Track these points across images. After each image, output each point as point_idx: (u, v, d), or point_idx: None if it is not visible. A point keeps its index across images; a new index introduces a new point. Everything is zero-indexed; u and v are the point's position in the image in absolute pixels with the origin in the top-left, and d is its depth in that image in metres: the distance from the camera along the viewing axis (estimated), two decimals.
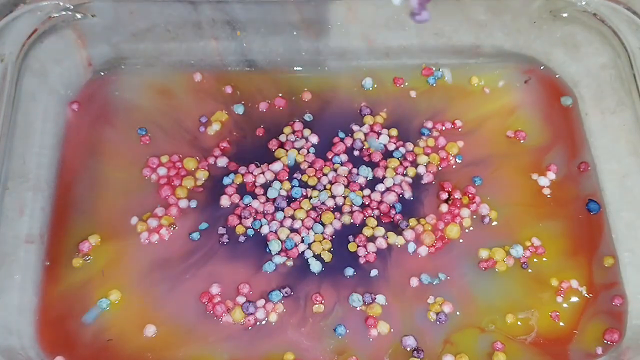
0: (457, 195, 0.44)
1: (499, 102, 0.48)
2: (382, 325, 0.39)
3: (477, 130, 0.47)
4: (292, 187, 0.44)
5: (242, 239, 0.42)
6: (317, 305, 0.40)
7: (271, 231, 0.42)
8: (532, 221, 0.43)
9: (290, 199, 0.43)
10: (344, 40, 0.48)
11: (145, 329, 0.39)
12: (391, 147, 0.46)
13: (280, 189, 0.44)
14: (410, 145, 0.46)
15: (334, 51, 0.48)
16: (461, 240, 0.42)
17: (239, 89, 0.48)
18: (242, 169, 0.44)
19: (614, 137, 0.45)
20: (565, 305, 0.40)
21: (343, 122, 0.47)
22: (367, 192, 0.44)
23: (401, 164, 0.45)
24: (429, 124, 0.47)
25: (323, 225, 0.42)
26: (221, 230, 0.42)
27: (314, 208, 0.43)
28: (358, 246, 0.42)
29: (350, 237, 0.42)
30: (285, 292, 0.40)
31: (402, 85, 0.48)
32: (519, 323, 0.40)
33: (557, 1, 0.45)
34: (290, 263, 0.41)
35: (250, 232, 0.42)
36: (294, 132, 0.46)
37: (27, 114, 0.43)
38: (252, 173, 0.44)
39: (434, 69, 0.49)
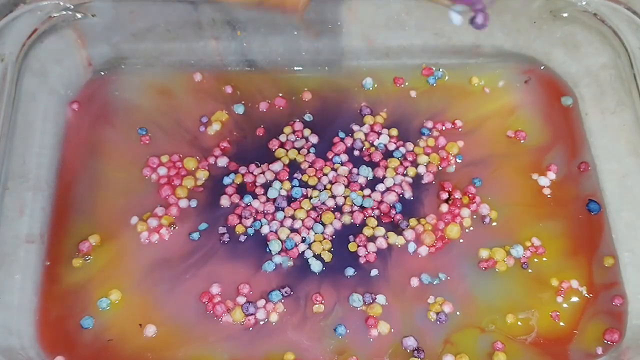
0: (457, 195, 0.44)
1: (499, 102, 0.48)
2: (383, 325, 0.39)
3: (477, 130, 0.47)
4: (293, 187, 0.44)
5: (242, 238, 0.42)
6: (317, 305, 0.40)
7: (271, 231, 0.42)
8: (532, 221, 0.43)
9: (290, 199, 0.43)
10: (344, 40, 0.48)
11: (145, 329, 0.39)
12: (391, 147, 0.46)
13: (281, 188, 0.44)
14: (410, 145, 0.46)
15: (334, 51, 0.48)
16: (461, 240, 0.42)
17: (239, 89, 0.48)
18: (242, 169, 0.44)
19: (614, 137, 0.45)
20: (565, 305, 0.40)
21: (343, 122, 0.47)
22: (367, 192, 0.44)
23: (401, 163, 0.45)
24: (429, 124, 0.47)
25: (323, 225, 0.42)
26: (222, 229, 0.42)
27: (314, 208, 0.43)
28: (358, 246, 0.42)
29: (351, 237, 0.42)
30: (285, 292, 0.40)
31: (402, 85, 0.48)
32: (519, 323, 0.40)
33: (557, 1, 0.45)
34: (290, 263, 0.41)
35: (251, 231, 0.42)
36: (294, 132, 0.46)
37: (27, 114, 0.43)
38: (252, 173, 0.44)
39: (434, 69, 0.49)
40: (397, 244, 0.42)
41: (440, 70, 0.49)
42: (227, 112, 0.47)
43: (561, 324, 0.40)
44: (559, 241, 0.43)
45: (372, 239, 0.42)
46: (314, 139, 0.46)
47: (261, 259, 0.41)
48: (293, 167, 0.45)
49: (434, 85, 0.48)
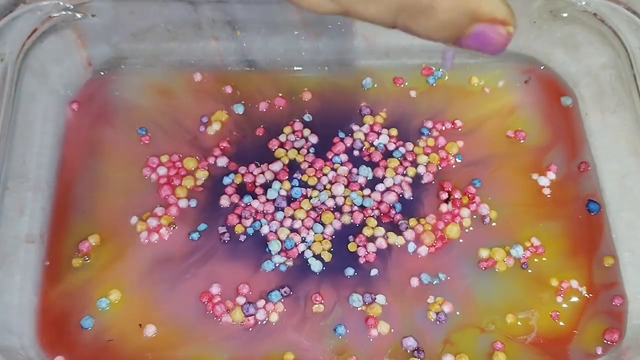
0: (457, 195, 0.44)
1: (499, 102, 0.48)
2: (382, 325, 0.39)
3: (477, 130, 0.47)
4: (292, 187, 0.44)
5: (242, 238, 0.42)
6: (317, 305, 0.40)
7: (271, 231, 0.42)
8: (532, 221, 0.43)
9: (290, 199, 0.43)
10: (344, 40, 0.48)
11: (145, 329, 0.39)
12: (391, 147, 0.46)
13: (280, 189, 0.44)
14: (410, 145, 0.46)
15: (334, 51, 0.48)
16: (461, 240, 0.42)
17: (239, 88, 0.48)
18: (242, 169, 0.45)
19: (614, 137, 0.45)
20: (565, 305, 0.40)
21: (343, 122, 0.47)
22: (367, 192, 0.44)
23: (401, 164, 0.45)
24: (429, 124, 0.47)
25: (323, 225, 0.42)
26: (222, 229, 0.42)
27: (314, 208, 0.43)
28: (358, 246, 0.42)
29: (351, 237, 0.42)
30: (285, 292, 0.40)
31: (402, 85, 0.48)
32: (519, 323, 0.40)
33: (557, 1, 0.45)
34: (290, 263, 0.41)
35: (250, 231, 0.42)
36: (294, 132, 0.46)
37: (27, 114, 0.43)
38: (252, 173, 0.44)
39: (433, 69, 0.49)
40: (397, 244, 0.42)
41: (440, 70, 0.49)
42: (227, 112, 0.47)
43: (561, 324, 0.40)
44: (558, 241, 0.43)
45: (372, 239, 0.42)
46: (313, 139, 0.46)
47: (261, 259, 0.41)
48: (293, 167, 0.45)
49: (434, 85, 0.48)
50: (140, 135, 0.46)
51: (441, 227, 0.43)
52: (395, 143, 0.46)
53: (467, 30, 0.19)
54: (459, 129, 0.47)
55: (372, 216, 0.43)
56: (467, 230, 0.43)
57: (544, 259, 0.42)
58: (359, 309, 0.40)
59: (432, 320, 0.40)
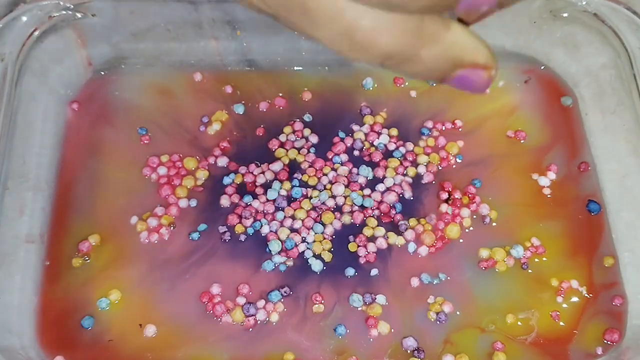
0: (457, 195, 0.44)
1: (499, 102, 0.48)
2: (383, 325, 0.39)
3: (477, 130, 0.47)
4: (293, 187, 0.44)
5: (242, 238, 0.42)
6: (317, 305, 0.40)
7: (271, 231, 0.42)
8: (532, 221, 0.43)
9: (290, 199, 0.43)
10: None
11: (145, 329, 0.39)
12: (391, 147, 0.46)
13: (280, 189, 0.44)
14: (410, 145, 0.46)
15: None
16: (461, 240, 0.42)
17: (239, 88, 0.48)
18: (242, 169, 0.44)
19: (614, 137, 0.45)
20: (565, 305, 0.40)
21: (343, 122, 0.47)
22: (367, 191, 0.44)
23: (401, 163, 0.45)
24: (429, 124, 0.47)
25: (323, 225, 0.42)
26: (222, 228, 0.42)
27: (314, 208, 0.43)
28: (358, 246, 0.42)
29: (351, 237, 0.42)
30: (284, 292, 0.40)
31: (402, 85, 0.48)
32: (519, 323, 0.40)
33: (557, 1, 0.45)
34: (290, 263, 0.41)
35: (250, 231, 0.42)
36: (294, 131, 0.46)
37: (27, 114, 0.43)
38: (252, 173, 0.44)
39: None
40: (397, 244, 0.42)
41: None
42: (227, 112, 0.47)
43: (561, 324, 0.40)
44: (559, 241, 0.43)
45: (372, 239, 0.42)
46: (314, 139, 0.46)
47: (261, 259, 0.41)
48: (293, 167, 0.45)
49: (434, 85, 0.48)
50: (140, 135, 0.46)
51: (441, 227, 0.43)
52: (395, 143, 0.46)
53: (451, 74, 0.20)
54: (459, 129, 0.47)
55: (373, 216, 0.43)
56: (467, 230, 0.43)
57: (544, 259, 0.42)
58: (359, 309, 0.40)
59: (432, 320, 0.40)
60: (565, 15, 0.46)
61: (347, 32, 0.19)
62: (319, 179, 0.44)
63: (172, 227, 0.42)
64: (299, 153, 0.45)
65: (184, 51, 0.48)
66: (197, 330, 0.39)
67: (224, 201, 0.43)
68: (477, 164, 0.45)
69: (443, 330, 0.40)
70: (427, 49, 0.19)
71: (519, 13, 0.46)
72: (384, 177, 0.44)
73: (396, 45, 0.19)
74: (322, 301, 0.40)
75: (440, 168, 0.45)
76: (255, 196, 0.43)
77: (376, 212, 0.43)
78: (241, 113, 0.47)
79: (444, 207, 0.43)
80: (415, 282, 0.41)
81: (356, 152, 0.45)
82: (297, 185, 0.44)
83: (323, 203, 0.43)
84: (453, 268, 0.41)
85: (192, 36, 0.47)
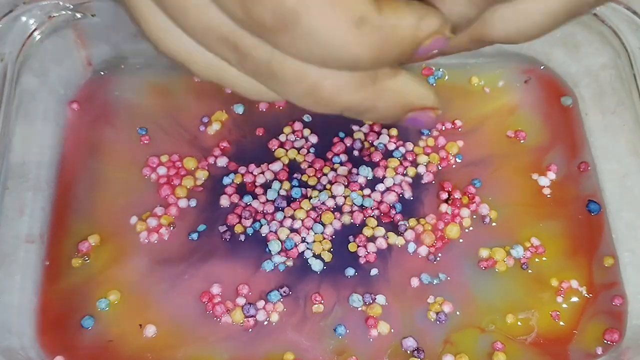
0: (457, 195, 0.44)
1: (499, 102, 0.48)
2: (383, 325, 0.39)
3: (477, 130, 0.47)
4: (292, 187, 0.44)
5: (241, 238, 0.42)
6: (317, 305, 0.40)
7: (271, 231, 0.42)
8: (532, 221, 0.43)
9: (290, 199, 0.43)
10: None
11: (145, 329, 0.39)
12: (391, 147, 0.46)
13: (280, 189, 0.44)
14: (410, 145, 0.46)
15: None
16: (461, 240, 0.42)
17: None
18: (242, 169, 0.45)
19: (614, 137, 0.45)
20: (565, 305, 0.40)
21: (343, 122, 0.47)
22: (367, 191, 0.44)
23: (401, 163, 0.45)
24: None
25: (323, 225, 0.42)
26: (222, 228, 0.42)
27: (314, 208, 0.43)
28: (358, 246, 0.42)
29: (351, 237, 0.42)
30: (284, 292, 0.40)
31: None
32: (519, 323, 0.40)
33: None
34: (290, 263, 0.41)
35: (250, 231, 0.42)
36: (294, 132, 0.46)
37: (27, 114, 0.43)
38: (252, 173, 0.44)
39: (434, 69, 0.49)
40: (397, 244, 0.42)
41: (440, 70, 0.49)
42: (227, 112, 0.47)
43: (561, 324, 0.40)
44: (558, 241, 0.43)
45: (372, 239, 0.42)
46: (313, 139, 0.46)
47: (261, 259, 0.41)
48: (293, 167, 0.45)
49: (434, 85, 0.48)
50: (140, 135, 0.46)
51: (441, 227, 0.43)
52: (395, 143, 0.46)
53: (404, 117, 0.23)
54: (459, 129, 0.47)
55: (372, 216, 0.43)
56: (467, 230, 0.43)
57: (544, 259, 0.42)
58: (359, 309, 0.40)
59: (432, 320, 0.40)
60: None
61: (311, 91, 0.21)
62: (318, 179, 0.44)
63: (171, 227, 0.42)
64: (298, 153, 0.45)
65: None
66: (197, 331, 0.39)
67: (224, 201, 0.43)
68: (477, 164, 0.45)
69: (443, 330, 0.40)
70: (382, 100, 0.22)
71: None
72: (384, 177, 0.44)
73: (355, 100, 0.21)
74: (322, 301, 0.40)
75: (440, 168, 0.45)
76: (255, 196, 0.43)
77: (376, 212, 0.43)
78: (241, 113, 0.47)
79: (444, 207, 0.43)
80: (415, 282, 0.41)
81: (356, 152, 0.45)
82: (297, 185, 0.44)
83: (323, 203, 0.43)
84: (453, 268, 0.41)
85: None
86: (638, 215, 0.43)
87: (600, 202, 0.44)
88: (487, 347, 0.39)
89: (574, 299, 0.41)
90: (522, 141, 0.46)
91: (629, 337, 0.39)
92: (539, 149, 0.46)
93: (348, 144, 0.46)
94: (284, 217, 0.43)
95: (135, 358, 0.38)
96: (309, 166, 0.45)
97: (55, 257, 0.41)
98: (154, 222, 0.42)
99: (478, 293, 0.41)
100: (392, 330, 0.40)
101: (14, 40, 0.42)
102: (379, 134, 0.46)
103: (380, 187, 0.44)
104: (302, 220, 0.42)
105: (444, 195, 0.44)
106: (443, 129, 0.46)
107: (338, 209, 0.43)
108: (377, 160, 0.45)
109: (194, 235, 0.42)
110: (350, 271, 0.41)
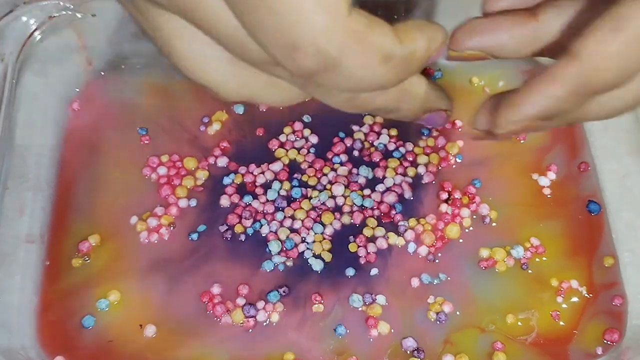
0: (457, 195, 0.44)
1: None
2: (383, 325, 0.39)
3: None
4: (292, 187, 0.44)
5: (242, 238, 0.42)
6: (317, 306, 0.40)
7: (271, 231, 0.42)
8: (532, 221, 0.43)
9: (290, 199, 0.43)
10: None
11: (145, 329, 0.39)
12: (391, 147, 0.46)
13: (280, 189, 0.44)
14: (410, 145, 0.46)
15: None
16: (461, 240, 0.42)
17: None
18: (242, 169, 0.45)
19: (614, 137, 0.45)
20: (565, 305, 0.40)
21: (343, 122, 0.47)
22: (367, 192, 0.44)
23: (401, 164, 0.45)
24: None
25: (323, 225, 0.42)
26: (223, 227, 0.42)
27: (314, 208, 0.43)
28: (358, 246, 0.42)
29: (351, 238, 0.42)
30: (283, 292, 0.40)
31: None
32: (519, 323, 0.40)
33: None
34: (290, 263, 0.41)
35: (250, 231, 0.42)
36: (294, 132, 0.46)
37: (27, 114, 0.43)
38: (252, 173, 0.44)
39: (433, 69, 0.49)
40: (397, 244, 0.42)
41: (440, 70, 0.49)
42: (227, 112, 0.47)
43: (561, 324, 0.40)
44: (559, 241, 0.43)
45: (372, 239, 0.42)
46: (313, 139, 0.46)
47: (261, 259, 0.41)
48: (293, 167, 0.45)
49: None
50: (140, 135, 0.46)
51: (441, 227, 0.42)
52: (395, 143, 0.46)
53: (421, 117, 0.27)
54: (459, 129, 0.47)
55: (372, 216, 0.43)
56: (467, 230, 0.43)
57: (544, 259, 0.42)
58: (359, 309, 0.40)
59: (432, 320, 0.40)
60: None
61: (350, 98, 0.25)
62: (318, 179, 0.44)
63: (172, 227, 0.42)
64: (298, 153, 0.45)
65: None
66: (197, 331, 0.39)
67: (224, 201, 0.43)
68: (477, 164, 0.45)
69: (443, 330, 0.40)
70: (406, 103, 0.25)
71: None
72: (384, 177, 0.44)
73: (384, 103, 0.25)
74: (322, 301, 0.40)
75: (440, 168, 0.45)
76: (255, 196, 0.43)
77: (376, 212, 0.43)
78: (241, 113, 0.47)
79: (444, 207, 0.43)
80: (415, 282, 0.41)
81: (356, 152, 0.45)
82: (297, 185, 0.44)
83: (323, 203, 0.43)
84: (453, 268, 0.41)
85: None
86: (638, 215, 0.43)
87: (600, 202, 0.44)
88: (487, 347, 0.39)
89: (574, 299, 0.41)
90: (522, 141, 0.46)
91: (629, 337, 0.39)
92: (539, 149, 0.46)
93: (348, 144, 0.46)
94: (284, 217, 0.43)
95: (135, 358, 0.38)
96: (309, 166, 0.45)
97: (56, 257, 0.41)
98: (154, 222, 0.42)
99: (478, 293, 0.41)
100: (392, 330, 0.39)
101: (15, 41, 0.42)
102: (379, 134, 0.46)
103: (380, 187, 0.44)
104: (302, 221, 0.42)
105: (444, 195, 0.44)
106: (443, 129, 0.46)
107: (338, 209, 0.43)
108: (377, 160, 0.45)
109: (194, 236, 0.42)
110: (350, 271, 0.41)
